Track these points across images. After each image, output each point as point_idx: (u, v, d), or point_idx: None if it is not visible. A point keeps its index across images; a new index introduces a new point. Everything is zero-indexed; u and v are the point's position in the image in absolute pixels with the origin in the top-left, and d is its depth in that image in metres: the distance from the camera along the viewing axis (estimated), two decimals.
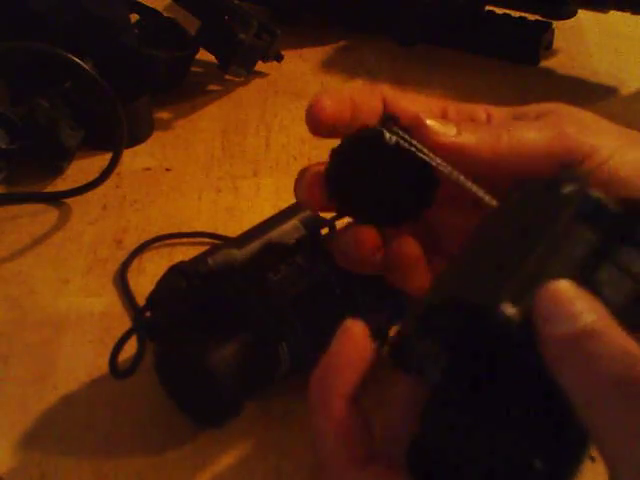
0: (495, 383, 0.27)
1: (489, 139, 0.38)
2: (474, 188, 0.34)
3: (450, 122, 0.38)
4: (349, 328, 0.33)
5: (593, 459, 0.27)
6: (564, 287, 0.27)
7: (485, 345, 0.27)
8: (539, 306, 0.27)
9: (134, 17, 0.82)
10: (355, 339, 0.33)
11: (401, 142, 0.37)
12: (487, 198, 0.34)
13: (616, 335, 0.26)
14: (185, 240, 0.66)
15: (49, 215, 0.69)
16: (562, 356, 0.26)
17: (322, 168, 0.40)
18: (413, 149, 0.36)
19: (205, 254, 0.53)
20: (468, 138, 0.37)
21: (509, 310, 0.26)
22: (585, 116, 0.40)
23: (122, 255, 0.64)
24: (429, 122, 0.37)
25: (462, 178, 0.35)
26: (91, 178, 0.69)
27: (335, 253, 0.40)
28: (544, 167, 0.38)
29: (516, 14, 0.85)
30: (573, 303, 0.27)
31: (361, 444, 0.30)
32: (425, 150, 0.36)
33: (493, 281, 0.28)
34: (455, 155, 0.37)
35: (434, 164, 0.36)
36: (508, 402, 0.27)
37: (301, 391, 0.54)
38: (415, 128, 0.37)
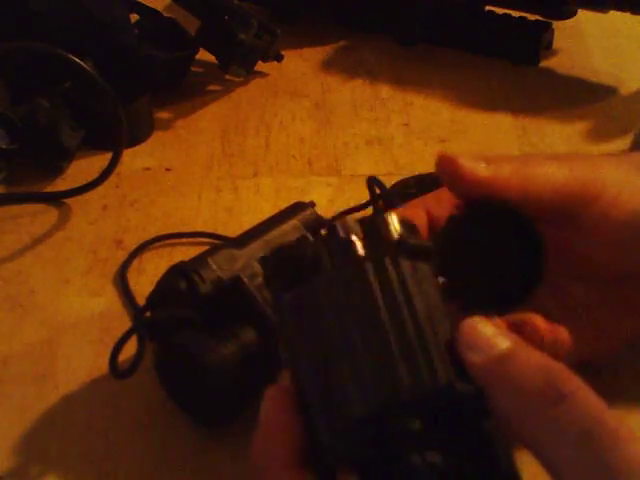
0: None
1: (515, 173, 0.41)
2: None
3: (478, 159, 0.41)
4: (272, 396, 0.33)
5: None
6: (478, 321, 0.31)
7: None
8: (462, 339, 0.30)
9: (134, 17, 0.82)
10: (281, 405, 0.33)
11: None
12: None
13: (531, 353, 0.30)
14: (185, 240, 0.66)
15: (49, 215, 0.69)
16: (489, 380, 0.29)
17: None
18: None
19: (205, 254, 0.53)
20: (497, 171, 0.40)
21: (461, 386, 0.29)
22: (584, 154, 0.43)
23: (122, 255, 0.64)
24: (462, 160, 0.40)
25: None
26: (91, 178, 0.69)
27: None
28: (562, 201, 0.41)
29: (516, 14, 0.85)
30: (489, 333, 0.30)
31: None
32: None
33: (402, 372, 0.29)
34: (487, 189, 0.40)
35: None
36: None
37: None
38: (450, 167, 0.40)
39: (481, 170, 0.40)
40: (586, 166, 0.42)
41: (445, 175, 0.40)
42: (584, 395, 0.28)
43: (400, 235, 0.32)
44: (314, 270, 0.32)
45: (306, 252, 0.32)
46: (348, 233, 0.32)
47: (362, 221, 0.32)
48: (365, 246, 0.32)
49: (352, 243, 0.32)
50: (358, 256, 0.31)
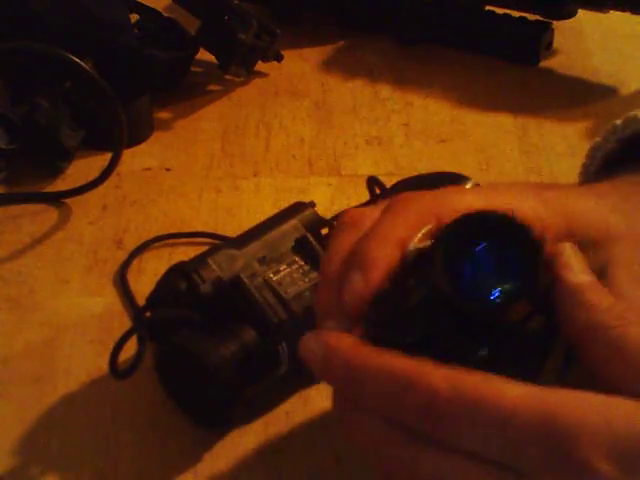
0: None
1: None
2: None
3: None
4: None
5: None
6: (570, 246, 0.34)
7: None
8: (560, 258, 0.33)
9: (134, 17, 0.82)
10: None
11: None
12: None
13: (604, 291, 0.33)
14: (185, 240, 0.66)
15: (49, 215, 0.69)
16: (575, 299, 0.33)
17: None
18: None
19: (205, 254, 0.53)
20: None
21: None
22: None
23: (122, 255, 0.64)
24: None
25: None
26: (91, 178, 0.69)
27: None
28: None
29: (516, 14, 0.85)
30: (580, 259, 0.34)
31: None
32: None
33: None
34: None
35: None
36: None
37: (301, 391, 0.54)
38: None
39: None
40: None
41: None
42: None
43: None
44: None
45: None
46: None
47: None
48: None
49: None
50: None
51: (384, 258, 0.35)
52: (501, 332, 0.32)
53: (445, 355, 0.31)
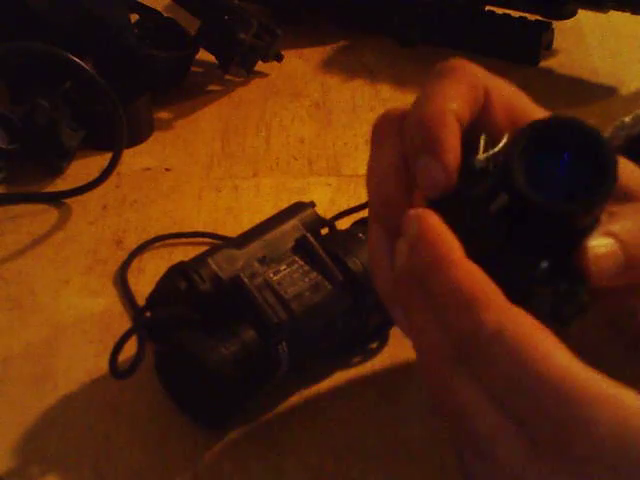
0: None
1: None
2: None
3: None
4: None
5: None
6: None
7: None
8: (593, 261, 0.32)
9: (134, 17, 0.82)
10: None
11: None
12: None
13: None
14: (185, 240, 0.66)
15: (49, 215, 0.69)
16: None
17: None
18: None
19: (205, 254, 0.53)
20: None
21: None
22: None
23: (122, 255, 0.64)
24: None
25: None
26: (91, 178, 0.69)
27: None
28: None
29: (516, 14, 0.85)
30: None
31: None
32: None
33: None
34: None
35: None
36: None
37: (301, 391, 0.54)
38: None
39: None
40: None
41: None
42: None
43: None
44: None
45: None
46: None
47: None
48: None
49: None
50: None
51: (452, 137, 0.34)
52: (565, 244, 0.32)
53: (509, 266, 0.31)
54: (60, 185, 0.71)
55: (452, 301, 0.31)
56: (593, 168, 0.31)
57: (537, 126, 0.32)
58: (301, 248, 0.54)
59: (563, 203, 0.31)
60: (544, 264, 0.31)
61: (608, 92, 0.81)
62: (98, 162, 0.71)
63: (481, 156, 0.34)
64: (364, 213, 0.61)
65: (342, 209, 0.65)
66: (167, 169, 0.74)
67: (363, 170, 0.38)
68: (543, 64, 0.85)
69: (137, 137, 0.76)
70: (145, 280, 0.62)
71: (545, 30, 0.85)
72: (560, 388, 0.29)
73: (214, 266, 0.52)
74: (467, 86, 0.36)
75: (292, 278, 0.52)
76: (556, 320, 0.31)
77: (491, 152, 0.34)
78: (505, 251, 0.32)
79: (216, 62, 0.81)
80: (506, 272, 0.31)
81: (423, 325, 0.32)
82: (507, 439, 0.30)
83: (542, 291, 0.31)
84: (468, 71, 0.36)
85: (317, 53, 0.88)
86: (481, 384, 0.30)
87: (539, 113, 0.37)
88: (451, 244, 0.32)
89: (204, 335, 0.50)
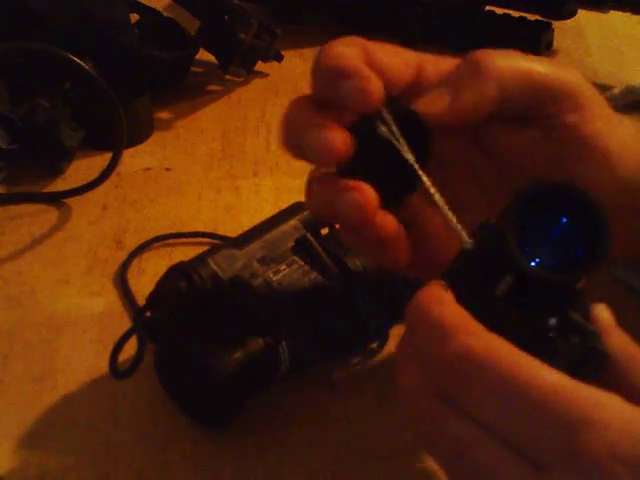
0: None
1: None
2: (452, 220, 0.35)
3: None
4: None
5: None
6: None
7: None
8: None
9: (134, 17, 0.82)
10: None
11: (391, 137, 0.38)
12: (463, 234, 0.34)
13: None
14: (185, 240, 0.66)
15: (49, 215, 0.69)
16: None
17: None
18: (398, 143, 0.38)
19: (205, 254, 0.53)
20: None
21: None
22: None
23: (122, 255, 0.64)
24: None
25: (442, 204, 0.36)
26: (91, 178, 0.69)
27: (339, 215, 0.39)
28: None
29: (516, 14, 0.85)
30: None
31: None
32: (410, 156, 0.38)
33: None
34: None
35: (415, 167, 0.37)
36: None
37: (301, 391, 0.54)
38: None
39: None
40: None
41: None
42: None
43: None
44: None
45: None
46: None
47: None
48: None
49: None
50: None
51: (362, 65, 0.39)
52: (568, 300, 0.33)
53: (520, 327, 0.32)
54: (60, 185, 0.71)
55: (427, 332, 0.31)
56: (588, 231, 0.32)
57: (533, 191, 0.33)
58: (301, 248, 0.54)
59: (572, 275, 0.32)
60: (552, 320, 0.32)
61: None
62: (98, 162, 0.71)
63: (468, 242, 0.35)
64: None
65: None
66: (167, 169, 0.74)
67: None
68: None
69: (137, 137, 0.76)
70: (145, 280, 0.62)
71: (545, 30, 0.85)
72: (560, 399, 0.29)
73: (214, 266, 0.52)
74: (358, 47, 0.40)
75: (292, 278, 0.52)
76: (579, 375, 0.31)
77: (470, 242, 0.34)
78: (512, 315, 0.32)
79: (216, 62, 0.81)
80: (519, 334, 0.31)
81: (404, 367, 0.33)
82: (509, 466, 0.30)
83: (560, 345, 0.32)
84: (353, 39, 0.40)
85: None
86: (471, 417, 0.30)
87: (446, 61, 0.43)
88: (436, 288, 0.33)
89: (204, 335, 0.50)
